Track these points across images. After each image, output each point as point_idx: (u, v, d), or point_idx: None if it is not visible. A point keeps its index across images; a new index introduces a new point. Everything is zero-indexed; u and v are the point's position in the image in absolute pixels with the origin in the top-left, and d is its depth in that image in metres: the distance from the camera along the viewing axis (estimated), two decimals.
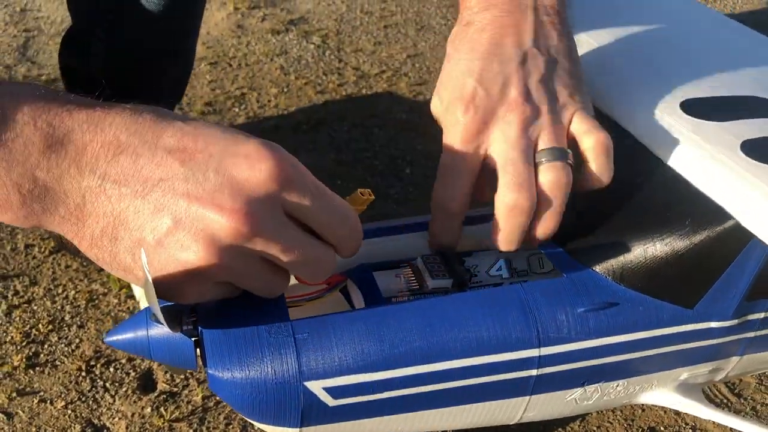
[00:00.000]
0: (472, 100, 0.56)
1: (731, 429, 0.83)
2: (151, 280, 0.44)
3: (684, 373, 0.63)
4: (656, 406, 0.83)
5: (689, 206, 0.58)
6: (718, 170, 0.56)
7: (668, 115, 0.63)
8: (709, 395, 0.88)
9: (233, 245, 0.44)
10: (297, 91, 1.55)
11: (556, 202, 0.56)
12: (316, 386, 0.51)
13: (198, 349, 0.51)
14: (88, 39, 0.85)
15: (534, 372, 0.56)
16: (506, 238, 0.56)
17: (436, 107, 0.59)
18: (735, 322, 0.60)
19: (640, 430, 0.83)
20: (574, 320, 0.56)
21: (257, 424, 0.53)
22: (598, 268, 0.59)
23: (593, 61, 0.71)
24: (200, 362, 0.52)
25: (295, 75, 1.60)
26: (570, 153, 0.56)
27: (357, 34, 1.80)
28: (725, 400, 0.87)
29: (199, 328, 0.51)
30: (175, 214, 0.44)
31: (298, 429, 0.52)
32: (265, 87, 1.55)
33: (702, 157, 0.57)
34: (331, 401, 0.51)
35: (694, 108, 0.64)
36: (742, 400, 0.88)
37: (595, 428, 0.83)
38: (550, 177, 0.55)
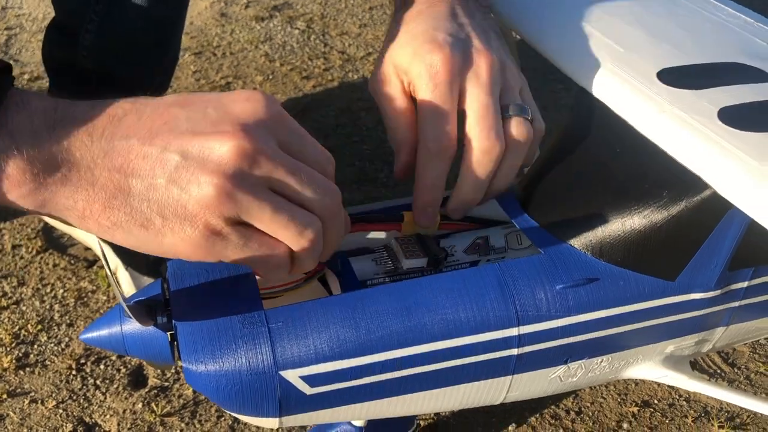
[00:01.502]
0: (446, 45, 0.57)
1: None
2: (111, 274, 0.44)
3: (669, 346, 0.63)
4: (644, 380, 0.82)
5: (667, 177, 0.57)
6: (696, 139, 0.55)
7: (645, 85, 0.61)
8: (703, 366, 0.87)
9: (241, 169, 0.44)
10: (282, 77, 1.53)
11: (519, 155, 0.59)
12: (292, 375, 0.50)
13: (174, 343, 0.51)
14: (77, 30, 0.84)
15: (515, 351, 0.55)
16: (477, 184, 0.58)
17: (402, 62, 0.59)
18: (718, 292, 0.59)
19: (634, 403, 0.83)
20: (554, 297, 0.55)
21: (237, 416, 0.53)
22: (576, 243, 0.58)
23: (569, 34, 0.70)
24: (177, 356, 0.51)
25: (280, 61, 1.59)
26: (530, 110, 0.58)
27: (342, 17, 1.79)
28: (719, 371, 0.87)
29: (173, 321, 0.50)
30: (181, 150, 0.44)
31: (277, 419, 0.52)
32: (251, 75, 1.54)
33: (679, 127, 0.56)
34: (308, 390, 0.51)
35: (670, 77, 0.63)
36: (736, 370, 0.87)
37: (588, 404, 0.83)
38: (517, 130, 0.58)
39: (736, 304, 0.61)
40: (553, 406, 0.82)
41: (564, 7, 0.76)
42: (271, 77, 1.53)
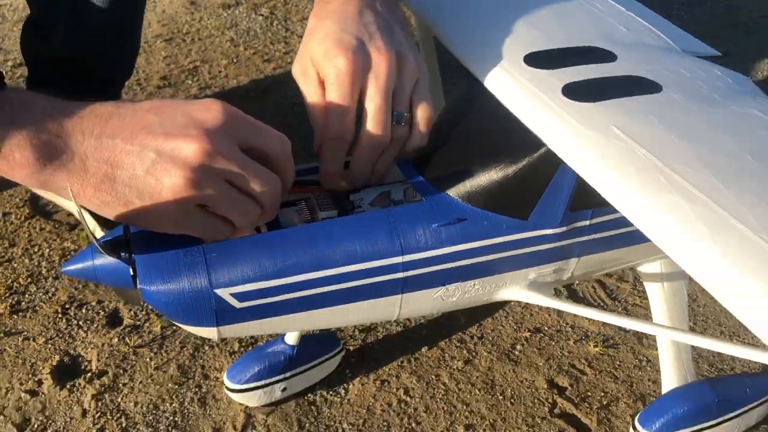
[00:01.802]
0: (350, 49, 0.71)
1: (603, 323, 1.00)
2: (85, 216, 0.59)
3: (531, 273, 0.79)
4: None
5: (518, 138, 0.72)
6: (539, 109, 0.70)
7: (512, 67, 0.77)
8: (590, 300, 1.04)
9: (202, 164, 0.59)
10: (246, 61, 1.68)
11: (397, 148, 0.75)
12: (224, 293, 0.66)
13: (134, 271, 0.67)
14: (50, 26, 0.99)
15: (401, 275, 0.71)
16: (365, 164, 0.74)
17: (317, 58, 0.72)
18: (564, 229, 0.75)
19: (527, 330, 0.99)
20: (430, 233, 0.71)
21: (184, 327, 0.69)
22: (451, 193, 0.74)
23: (457, 20, 0.86)
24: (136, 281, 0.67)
25: (244, 46, 1.73)
26: (407, 116, 0.73)
27: (303, 3, 1.93)
28: (602, 303, 1.04)
29: (132, 255, 0.66)
30: (156, 148, 0.58)
31: (215, 328, 0.68)
32: (216, 59, 1.69)
33: (529, 100, 0.72)
34: (238, 304, 0.67)
35: (534, 60, 0.78)
36: (616, 302, 1.04)
37: (489, 330, 1.00)
38: (397, 133, 0.73)
39: (583, 239, 0.78)
40: (460, 333, 0.99)
41: None
42: (235, 61, 1.68)
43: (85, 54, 1.02)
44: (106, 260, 0.67)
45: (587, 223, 0.77)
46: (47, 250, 1.13)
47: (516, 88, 0.74)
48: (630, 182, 0.61)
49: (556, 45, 0.82)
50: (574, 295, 1.05)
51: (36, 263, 1.10)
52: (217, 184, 0.60)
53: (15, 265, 1.10)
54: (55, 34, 0.99)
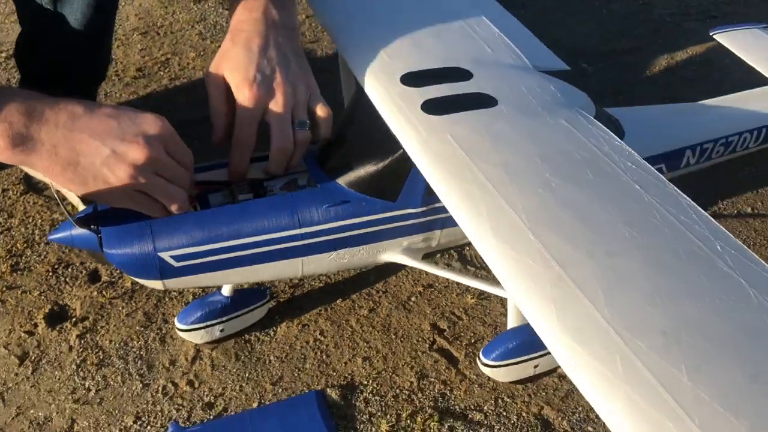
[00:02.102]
0: (255, 81, 0.95)
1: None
2: (66, 194, 0.85)
3: (404, 242, 1.05)
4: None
5: (389, 140, 0.97)
6: (401, 120, 0.95)
7: (390, 84, 1.01)
8: (462, 267, 1.30)
9: (143, 164, 0.84)
10: (212, 54, 1.91)
11: (301, 150, 0.99)
12: (165, 255, 0.92)
13: (100, 238, 0.92)
14: (35, 42, 1.23)
15: (299, 242, 0.97)
16: (276, 167, 0.97)
17: (230, 81, 0.95)
18: (424, 208, 1.01)
19: (422, 285, 1.25)
20: (321, 212, 0.97)
21: (137, 280, 0.95)
22: (339, 180, 0.99)
23: (356, 41, 1.10)
24: (101, 246, 0.92)
25: (210, 39, 1.96)
26: (308, 122, 0.97)
27: None
28: (476, 270, 1.29)
29: (99, 227, 0.91)
30: (112, 147, 0.83)
31: (160, 281, 0.94)
32: (186, 51, 1.92)
33: (396, 112, 0.96)
34: (175, 263, 0.93)
35: (410, 79, 1.02)
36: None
37: (392, 285, 1.25)
38: (299, 137, 0.97)
39: (442, 216, 1.03)
40: (368, 288, 1.25)
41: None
42: (202, 54, 1.91)
43: (66, 66, 1.26)
44: (80, 231, 0.92)
45: (442, 205, 1.02)
46: (39, 220, 1.38)
47: (388, 102, 0.98)
48: (446, 176, 0.85)
49: (430, 65, 1.06)
50: (462, 259, 1.31)
51: (30, 231, 1.35)
52: (151, 177, 0.85)
53: (13, 233, 1.35)
54: (42, 51, 1.23)
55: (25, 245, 1.33)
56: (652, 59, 1.98)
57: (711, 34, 1.62)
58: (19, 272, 1.27)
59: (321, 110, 1.00)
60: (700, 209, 0.82)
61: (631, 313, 0.67)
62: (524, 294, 0.71)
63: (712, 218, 0.81)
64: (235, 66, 0.96)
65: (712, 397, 0.59)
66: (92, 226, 0.92)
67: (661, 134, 1.21)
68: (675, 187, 0.86)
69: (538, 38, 1.27)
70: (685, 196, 0.85)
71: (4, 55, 1.89)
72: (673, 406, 0.58)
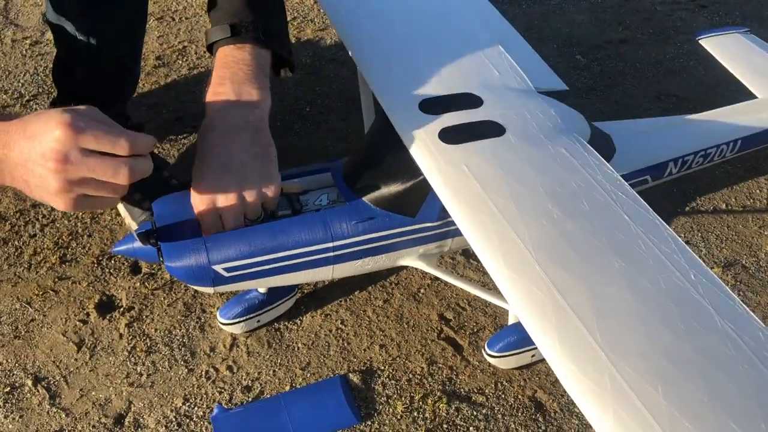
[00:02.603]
0: (233, 193, 1.03)
1: (485, 274, 1.41)
2: (131, 222, 0.98)
3: (421, 249, 1.19)
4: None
5: (411, 163, 1.10)
6: (421, 148, 1.08)
7: (410, 111, 1.14)
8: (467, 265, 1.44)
9: (65, 179, 0.82)
10: None
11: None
12: (218, 267, 1.06)
13: (160, 252, 1.06)
14: (70, 67, 1.34)
15: (332, 253, 1.12)
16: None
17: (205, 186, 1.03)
18: (439, 222, 1.15)
19: (430, 278, 1.40)
20: (350, 227, 1.11)
21: (192, 286, 1.09)
22: (365, 198, 1.13)
23: (378, 70, 1.22)
24: (161, 258, 1.06)
25: None
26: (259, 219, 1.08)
27: None
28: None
29: (159, 242, 1.05)
30: (38, 172, 0.81)
31: (212, 288, 1.08)
32: (201, 39, 2.01)
33: (416, 139, 1.10)
34: (226, 274, 1.07)
35: (427, 106, 1.15)
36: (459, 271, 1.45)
37: (403, 278, 1.41)
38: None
39: (453, 227, 1.18)
40: (382, 280, 1.40)
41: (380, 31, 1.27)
42: None
43: (99, 89, 1.36)
44: (141, 245, 1.06)
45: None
46: (81, 213, 1.50)
47: (409, 130, 1.11)
48: (462, 204, 0.99)
49: (444, 89, 1.19)
50: (465, 252, 1.46)
51: (73, 224, 1.48)
52: (83, 183, 0.84)
53: (58, 225, 1.48)
54: (77, 76, 1.34)
55: (69, 237, 1.46)
56: (642, 51, 2.10)
57: (697, 39, 1.74)
58: (67, 263, 1.41)
59: (269, 203, 1.07)
60: (678, 238, 0.97)
61: (618, 337, 0.82)
62: (530, 319, 0.86)
63: (687, 247, 0.96)
64: (210, 174, 1.04)
65: (682, 413, 0.75)
66: (152, 240, 1.05)
67: (647, 149, 1.35)
68: (657, 216, 1.00)
69: (539, 55, 1.39)
70: (666, 225, 1.00)
71: (28, 42, 1.97)
72: (651, 423, 0.74)
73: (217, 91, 1.10)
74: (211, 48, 1.17)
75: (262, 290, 1.25)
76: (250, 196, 1.04)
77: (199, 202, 1.04)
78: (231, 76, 1.10)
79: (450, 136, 1.09)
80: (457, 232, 1.20)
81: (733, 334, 0.85)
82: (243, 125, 1.07)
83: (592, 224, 0.97)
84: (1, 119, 0.85)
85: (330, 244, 1.11)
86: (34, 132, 0.82)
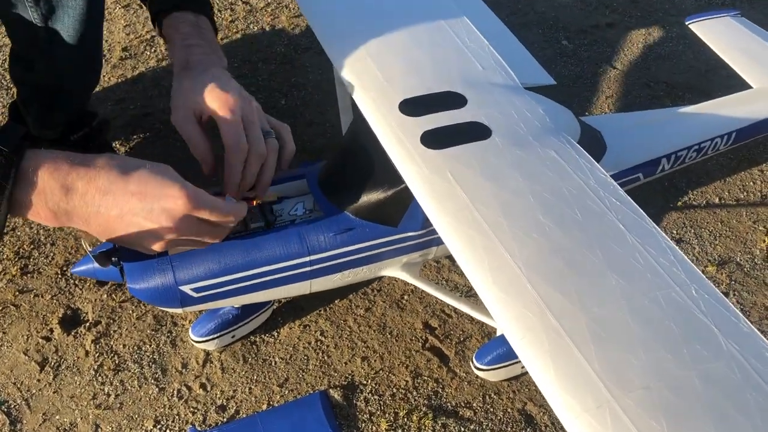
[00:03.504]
0: (233, 95, 0.99)
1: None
2: (89, 242, 0.90)
3: (404, 259, 1.13)
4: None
5: (391, 170, 1.03)
6: (402, 153, 1.01)
7: (389, 113, 1.06)
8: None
9: (168, 238, 0.86)
10: None
11: (274, 157, 1.03)
12: (186, 288, 0.98)
13: (122, 272, 0.98)
14: (32, 60, 1.24)
15: (309, 268, 1.05)
16: (254, 170, 1.00)
17: (207, 102, 0.99)
18: (423, 231, 1.08)
19: (413, 286, 1.34)
20: (328, 239, 1.04)
21: (160, 307, 1.01)
22: (343, 208, 1.06)
23: (355, 67, 1.14)
24: (124, 279, 0.99)
25: None
26: (273, 132, 1.03)
27: None
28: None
29: (121, 262, 0.97)
30: (139, 225, 0.85)
31: (180, 309, 1.01)
32: None
33: (396, 145, 1.02)
34: (195, 294, 0.99)
35: (407, 107, 1.07)
36: (441, 278, 1.39)
37: (386, 285, 1.34)
38: (271, 146, 1.02)
39: (437, 236, 1.10)
40: (364, 287, 1.33)
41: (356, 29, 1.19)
42: None
43: (62, 79, 1.28)
44: (101, 267, 0.98)
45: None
46: None
47: (389, 134, 1.04)
48: (447, 216, 0.92)
49: (425, 88, 1.11)
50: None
51: (35, 231, 1.40)
52: (176, 242, 0.89)
53: (18, 233, 1.40)
54: (37, 67, 1.25)
55: (31, 246, 1.37)
56: (629, 35, 2.03)
57: (687, 23, 1.68)
58: (29, 275, 1.33)
59: (281, 128, 1.06)
60: (677, 249, 0.91)
61: (618, 366, 0.76)
62: (522, 345, 0.79)
63: (686, 258, 0.90)
64: (199, 92, 1.00)
65: None
66: (114, 259, 0.98)
67: (639, 146, 1.29)
68: (654, 225, 0.94)
69: (525, 47, 1.32)
70: (663, 234, 0.93)
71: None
72: None
73: (191, 44, 1.09)
74: (156, 18, 1.18)
75: (236, 305, 1.18)
76: (256, 106, 1.02)
77: (198, 137, 1.00)
78: (197, 33, 1.12)
79: (433, 139, 1.02)
80: (441, 242, 1.14)
81: (740, 356, 0.79)
82: (220, 58, 1.10)
83: (587, 236, 0.91)
84: (75, 163, 0.83)
85: (306, 258, 1.04)
86: (143, 191, 0.84)
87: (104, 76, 1.75)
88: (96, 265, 0.98)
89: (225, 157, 1.01)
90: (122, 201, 0.84)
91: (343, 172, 1.10)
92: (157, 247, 0.89)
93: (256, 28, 1.96)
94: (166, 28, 1.14)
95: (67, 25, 1.20)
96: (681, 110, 1.39)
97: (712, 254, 1.45)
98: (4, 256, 1.35)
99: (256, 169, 1.02)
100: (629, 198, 0.98)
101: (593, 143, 1.20)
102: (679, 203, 1.55)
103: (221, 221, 0.90)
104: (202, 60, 1.06)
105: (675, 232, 1.47)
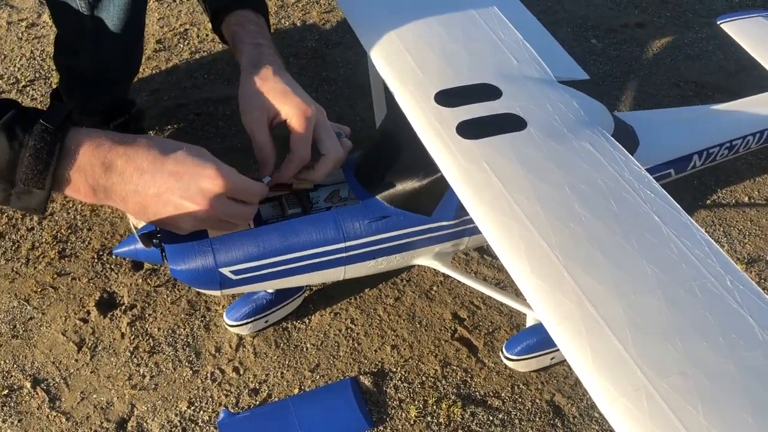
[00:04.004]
0: (306, 102, 1.01)
1: (499, 270, 1.36)
2: (135, 226, 0.93)
3: (436, 248, 1.14)
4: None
5: (426, 159, 1.04)
6: (438, 144, 1.02)
7: (425, 104, 1.08)
8: (466, 269, 1.40)
9: (203, 217, 0.89)
10: None
11: (345, 155, 1.06)
12: (225, 270, 1.00)
13: (163, 254, 1.00)
14: (77, 48, 1.27)
15: (344, 254, 1.06)
16: (332, 169, 1.04)
17: (278, 107, 1.01)
18: (456, 221, 1.10)
19: (442, 275, 1.35)
20: (363, 226, 1.06)
21: (198, 289, 1.03)
22: (379, 196, 1.07)
23: (393, 59, 1.15)
24: (165, 261, 1.01)
25: None
26: (342, 132, 1.05)
27: None
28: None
29: (162, 244, 0.99)
30: (175, 204, 0.88)
31: (219, 291, 1.03)
32: (203, 22, 1.94)
33: (433, 135, 1.03)
34: (234, 276, 1.01)
35: (442, 98, 1.08)
36: (471, 270, 1.40)
37: (415, 275, 1.35)
38: (346, 146, 1.05)
39: (470, 226, 1.12)
40: (393, 277, 1.35)
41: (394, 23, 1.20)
42: None
43: (105, 67, 1.30)
44: (143, 247, 1.00)
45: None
46: (79, 205, 1.45)
47: (425, 123, 1.05)
48: (483, 205, 0.93)
49: (461, 80, 1.12)
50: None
51: (72, 216, 1.43)
52: (213, 222, 0.92)
53: (57, 218, 1.43)
54: (82, 55, 1.28)
55: (69, 231, 1.40)
56: (659, 35, 2.03)
57: (718, 23, 1.68)
58: (66, 258, 1.36)
59: (343, 129, 1.08)
60: (712, 241, 0.92)
61: (655, 353, 0.77)
62: (562, 334, 0.81)
63: (721, 250, 0.91)
64: (275, 94, 1.02)
65: None
66: (155, 241, 1.00)
67: (671, 142, 1.29)
68: (689, 217, 0.95)
69: (559, 43, 1.33)
70: (697, 226, 0.94)
71: (24, 24, 1.91)
72: None
73: (259, 43, 1.11)
74: (216, 15, 1.18)
75: (270, 290, 1.20)
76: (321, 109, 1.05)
77: (265, 139, 1.01)
78: (260, 32, 1.14)
79: (468, 130, 1.03)
80: (474, 230, 1.15)
81: None
82: (278, 55, 1.12)
83: (622, 227, 0.92)
84: (115, 142, 0.86)
85: (342, 245, 1.05)
86: (180, 170, 0.87)
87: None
88: (138, 246, 1.00)
89: (286, 160, 1.03)
90: (159, 180, 0.86)
91: (379, 162, 1.11)
92: (190, 226, 0.91)
93: (287, 23, 1.98)
94: (232, 25, 1.14)
95: (112, 14, 1.23)
96: (713, 107, 1.39)
97: (741, 252, 1.45)
98: (43, 240, 1.38)
99: (332, 169, 1.04)
100: (664, 191, 0.99)
101: (626, 137, 1.21)
102: (708, 201, 1.55)
103: (252, 201, 0.94)
104: (272, 62, 1.07)
105: (704, 230, 1.47)
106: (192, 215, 0.89)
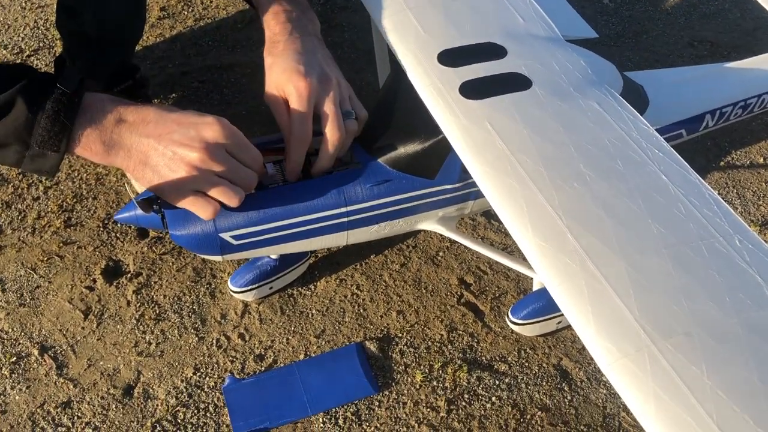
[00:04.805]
0: (307, 75, 1.00)
1: (506, 236, 1.34)
2: (134, 189, 0.92)
3: (440, 212, 1.12)
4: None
5: (428, 122, 1.02)
6: (440, 104, 1.00)
7: (428, 64, 1.05)
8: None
9: (199, 166, 0.90)
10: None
11: (350, 138, 1.04)
12: (226, 235, 0.99)
13: (163, 220, 1.00)
14: (80, 10, 1.26)
15: (345, 219, 1.05)
16: (331, 157, 1.02)
17: (282, 83, 1.00)
18: (459, 184, 1.08)
19: (448, 240, 1.34)
20: (365, 190, 1.04)
21: (200, 255, 1.03)
22: (381, 160, 1.06)
23: (394, 19, 1.13)
24: (165, 226, 1.00)
25: None
26: (354, 113, 1.02)
27: None
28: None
29: (162, 209, 0.99)
30: (173, 150, 0.89)
31: (220, 256, 1.02)
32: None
33: (435, 95, 1.01)
34: (235, 242, 1.00)
35: (446, 57, 1.06)
36: (476, 235, 1.38)
37: (421, 241, 1.34)
38: (349, 127, 1.02)
39: (475, 189, 1.10)
40: (399, 243, 1.33)
41: None
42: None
43: (108, 31, 1.29)
44: (144, 213, 0.99)
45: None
46: (84, 174, 1.44)
47: (427, 84, 1.03)
48: (486, 166, 0.91)
49: (465, 39, 1.10)
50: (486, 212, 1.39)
51: (77, 186, 1.43)
52: (210, 176, 0.92)
53: (62, 187, 1.42)
54: (85, 18, 1.26)
55: (74, 200, 1.40)
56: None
57: None
58: (72, 227, 1.36)
59: (360, 109, 1.05)
60: (721, 200, 0.89)
61: (658, 313, 0.76)
62: (562, 292, 0.79)
63: (730, 209, 0.88)
64: (283, 70, 1.00)
65: (728, 395, 0.68)
66: (155, 207, 0.99)
67: (682, 101, 1.26)
68: (698, 176, 0.93)
69: (568, 2, 1.29)
70: (707, 185, 0.92)
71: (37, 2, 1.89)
72: (694, 404, 0.68)
73: (281, 9, 1.09)
74: None
75: (274, 256, 1.19)
76: (343, 85, 1.04)
77: (286, 118, 1.00)
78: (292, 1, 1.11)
79: (471, 90, 1.01)
80: (479, 194, 1.13)
81: None
82: (308, 32, 1.08)
83: (628, 186, 0.90)
84: (127, 102, 0.91)
85: (344, 209, 1.04)
86: (182, 119, 0.90)
87: (143, 35, 1.76)
88: (138, 211, 0.99)
89: (286, 145, 1.02)
90: (162, 126, 0.90)
91: (381, 125, 1.09)
92: (175, 190, 0.91)
93: None
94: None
95: None
96: (727, 65, 1.35)
97: (755, 214, 1.42)
98: (49, 209, 1.38)
99: (332, 155, 1.02)
100: (672, 149, 0.96)
101: (635, 97, 1.18)
102: (722, 163, 1.52)
103: (250, 164, 0.95)
104: (292, 29, 1.05)
105: (717, 192, 1.44)
106: (186, 166, 0.89)
